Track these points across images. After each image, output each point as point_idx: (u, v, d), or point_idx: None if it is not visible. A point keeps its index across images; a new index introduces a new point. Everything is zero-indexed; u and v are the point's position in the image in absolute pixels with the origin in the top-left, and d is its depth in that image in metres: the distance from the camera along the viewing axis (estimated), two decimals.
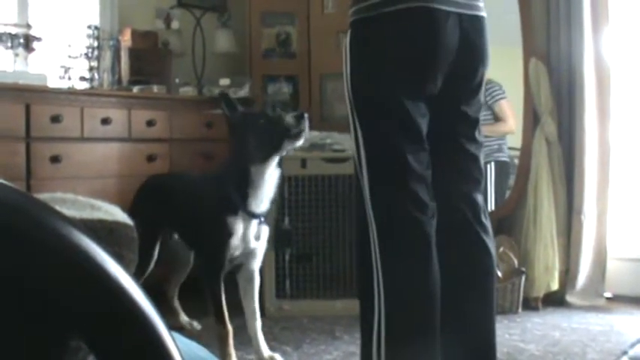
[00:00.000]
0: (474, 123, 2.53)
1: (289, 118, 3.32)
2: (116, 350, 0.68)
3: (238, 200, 3.33)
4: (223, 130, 4.93)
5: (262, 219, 3.40)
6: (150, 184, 3.93)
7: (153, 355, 0.68)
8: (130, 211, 0.98)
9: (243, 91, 5.22)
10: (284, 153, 3.39)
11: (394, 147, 2.35)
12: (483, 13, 2.46)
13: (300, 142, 3.35)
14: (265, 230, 3.47)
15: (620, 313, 4.25)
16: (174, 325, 3.73)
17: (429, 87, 2.37)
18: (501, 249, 4.36)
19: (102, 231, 0.87)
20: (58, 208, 0.72)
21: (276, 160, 3.35)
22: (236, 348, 3.51)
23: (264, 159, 3.31)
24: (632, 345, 3.52)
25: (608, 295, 4.53)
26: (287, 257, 4.30)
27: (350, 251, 4.30)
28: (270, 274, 4.23)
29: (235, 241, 3.34)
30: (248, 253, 3.46)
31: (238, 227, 3.33)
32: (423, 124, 2.38)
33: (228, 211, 3.34)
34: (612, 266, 4.51)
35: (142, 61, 5.02)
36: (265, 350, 3.47)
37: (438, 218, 2.39)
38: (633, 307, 4.36)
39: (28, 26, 4.53)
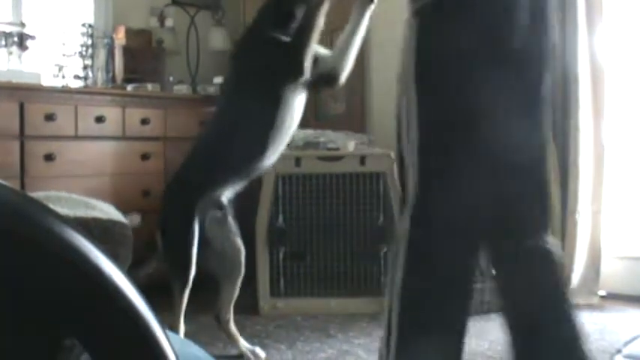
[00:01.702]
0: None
1: None
2: (110, 348, 0.68)
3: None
4: None
5: None
6: None
7: (146, 353, 0.68)
8: None
9: None
10: None
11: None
12: None
13: None
14: None
15: (615, 312, 4.25)
16: (231, 355, 3.51)
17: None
18: None
19: (96, 229, 0.87)
20: (52, 206, 0.72)
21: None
22: (232, 346, 3.53)
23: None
24: (626, 343, 3.52)
25: (602, 293, 4.54)
26: (281, 255, 4.29)
27: (344, 249, 4.31)
28: (264, 273, 4.23)
29: None
30: None
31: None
32: None
33: None
34: (606, 265, 4.51)
35: (136, 60, 5.02)
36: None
37: None
38: (627, 306, 4.36)
39: (22, 24, 4.52)
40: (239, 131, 3.36)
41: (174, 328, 3.25)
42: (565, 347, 2.37)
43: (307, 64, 3.34)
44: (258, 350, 3.49)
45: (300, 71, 3.32)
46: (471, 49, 2.13)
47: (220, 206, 3.43)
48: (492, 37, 2.17)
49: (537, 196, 2.34)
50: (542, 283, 2.31)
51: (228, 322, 3.49)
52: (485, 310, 4.25)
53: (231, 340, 3.51)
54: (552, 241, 2.33)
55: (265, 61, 3.43)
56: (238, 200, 3.61)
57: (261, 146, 3.34)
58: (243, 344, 3.49)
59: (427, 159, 2.18)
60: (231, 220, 3.50)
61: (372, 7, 3.46)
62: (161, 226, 3.44)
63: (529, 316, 2.29)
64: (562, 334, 2.34)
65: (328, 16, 5.60)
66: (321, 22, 3.35)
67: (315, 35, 3.36)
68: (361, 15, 3.47)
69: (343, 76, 3.49)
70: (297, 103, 3.39)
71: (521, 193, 2.29)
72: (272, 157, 3.42)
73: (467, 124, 2.16)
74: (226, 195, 3.44)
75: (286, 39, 3.38)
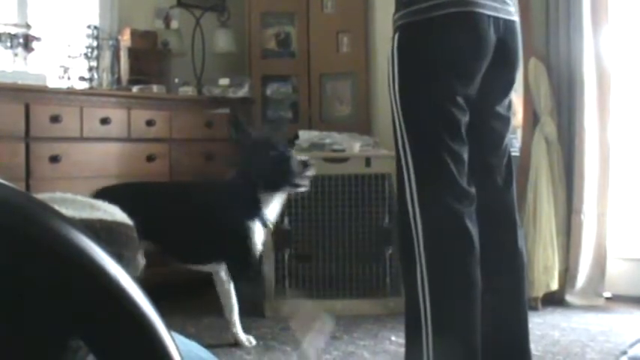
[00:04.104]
0: (507, 121, 2.64)
1: (295, 163, 3.63)
2: (115, 350, 0.68)
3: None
4: (223, 130, 4.94)
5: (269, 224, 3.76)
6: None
7: (152, 354, 0.68)
8: None
9: (243, 91, 5.22)
10: (283, 194, 3.76)
11: (441, 146, 2.43)
12: (516, 18, 2.57)
13: (301, 190, 3.72)
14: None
15: (620, 313, 4.25)
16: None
17: (470, 88, 2.47)
18: None
19: (101, 231, 0.87)
20: (57, 208, 0.72)
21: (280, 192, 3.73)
22: (236, 347, 3.53)
23: (267, 191, 3.67)
24: (632, 345, 3.51)
25: (607, 295, 4.53)
26: (286, 257, 4.29)
27: (349, 251, 4.30)
28: (270, 274, 4.23)
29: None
30: None
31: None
32: (464, 124, 2.47)
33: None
34: (612, 266, 4.51)
35: (141, 61, 5.02)
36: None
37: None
38: (633, 307, 4.35)
39: (28, 26, 4.53)
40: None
41: None
42: None
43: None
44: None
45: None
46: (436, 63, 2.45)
47: None
48: (456, 54, 2.45)
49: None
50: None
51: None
52: None
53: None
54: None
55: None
56: None
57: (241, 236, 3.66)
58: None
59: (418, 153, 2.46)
60: None
61: None
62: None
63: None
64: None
65: (332, 17, 5.62)
66: None
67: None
68: None
69: None
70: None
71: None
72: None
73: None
74: None
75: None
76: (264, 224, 3.67)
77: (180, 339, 1.11)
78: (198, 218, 3.66)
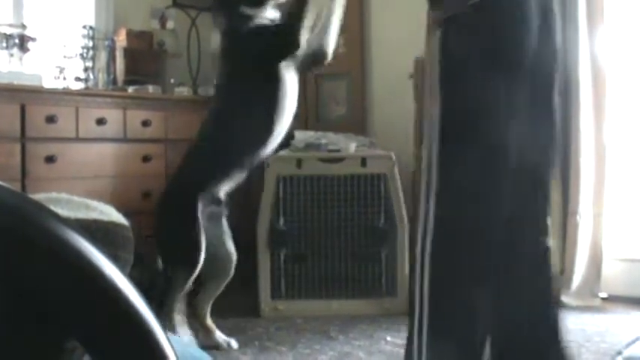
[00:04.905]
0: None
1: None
2: (111, 350, 0.68)
3: None
4: None
5: None
6: None
7: (148, 355, 0.68)
8: None
9: None
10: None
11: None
12: None
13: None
14: None
15: (616, 314, 4.25)
16: (208, 345, 3.47)
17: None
18: None
19: (97, 231, 0.87)
20: (53, 208, 0.72)
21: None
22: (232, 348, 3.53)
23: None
24: (628, 345, 3.52)
25: (603, 295, 4.54)
26: (282, 257, 4.29)
27: (345, 251, 4.30)
28: (266, 275, 4.23)
29: None
30: None
31: None
32: None
33: None
34: (608, 267, 4.51)
35: (137, 62, 5.02)
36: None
37: None
38: (628, 308, 4.36)
39: (23, 26, 4.52)
40: (240, 118, 3.38)
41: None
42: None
43: (302, 37, 3.34)
44: (233, 342, 3.62)
45: (295, 45, 3.33)
46: (487, 54, 2.28)
47: (218, 202, 3.46)
48: (507, 42, 2.34)
49: (540, 199, 2.39)
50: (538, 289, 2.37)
51: (205, 315, 3.62)
52: None
53: (205, 332, 3.60)
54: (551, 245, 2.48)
55: (257, 42, 3.44)
56: (239, 202, 3.62)
57: (266, 129, 3.35)
58: (220, 335, 3.62)
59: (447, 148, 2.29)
60: (224, 220, 3.53)
61: None
62: (162, 218, 3.48)
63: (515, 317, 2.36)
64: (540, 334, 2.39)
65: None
66: None
67: (309, 10, 3.33)
68: None
69: (330, 52, 3.52)
70: (293, 81, 3.42)
71: (524, 193, 2.37)
72: (275, 141, 3.43)
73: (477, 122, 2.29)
74: (224, 190, 3.46)
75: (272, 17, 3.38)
76: None
77: (176, 339, 1.11)
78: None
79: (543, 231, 2.46)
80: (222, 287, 3.62)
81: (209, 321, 3.64)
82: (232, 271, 3.62)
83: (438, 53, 2.35)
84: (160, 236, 3.51)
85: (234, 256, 3.59)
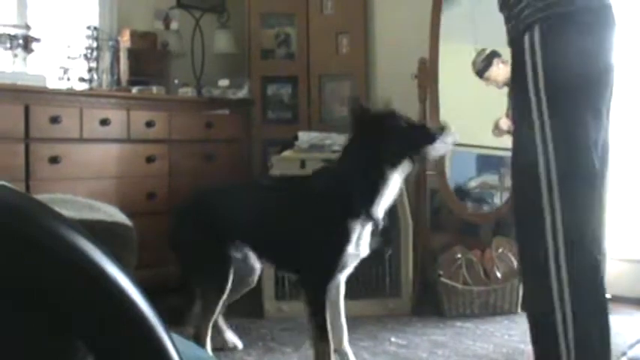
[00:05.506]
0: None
1: (433, 128, 3.20)
2: (115, 351, 0.68)
3: (363, 203, 3.11)
4: (223, 131, 4.94)
5: (380, 224, 3.21)
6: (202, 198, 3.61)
7: (151, 355, 0.68)
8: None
9: (242, 92, 5.22)
10: (418, 158, 3.22)
11: (588, 151, 2.34)
12: None
13: (440, 152, 3.20)
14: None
15: (620, 314, 4.24)
16: (214, 345, 3.47)
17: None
18: (500, 250, 4.36)
19: (101, 232, 0.87)
20: (57, 209, 0.72)
21: (407, 165, 3.16)
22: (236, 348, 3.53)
23: (399, 164, 3.11)
24: (631, 346, 3.51)
25: (607, 296, 4.52)
26: None
27: None
28: (270, 276, 4.22)
29: (351, 247, 3.12)
30: (352, 261, 3.23)
31: (355, 232, 3.12)
32: None
33: (350, 213, 3.10)
34: (611, 267, 4.51)
35: (141, 62, 5.02)
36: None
37: None
38: (632, 308, 4.35)
39: (27, 27, 4.53)
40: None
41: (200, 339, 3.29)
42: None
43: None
44: (237, 342, 3.66)
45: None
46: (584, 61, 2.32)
47: None
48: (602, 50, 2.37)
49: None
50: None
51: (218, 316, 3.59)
52: (489, 313, 4.25)
53: (217, 331, 3.60)
54: None
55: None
56: None
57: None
58: (230, 336, 3.66)
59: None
60: None
61: None
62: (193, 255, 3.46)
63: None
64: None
65: (332, 18, 5.63)
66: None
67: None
68: None
69: None
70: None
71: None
72: None
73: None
74: None
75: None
76: (372, 220, 3.15)
77: (180, 340, 1.11)
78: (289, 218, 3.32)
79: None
80: (241, 294, 3.63)
81: (221, 321, 3.65)
82: (255, 283, 3.65)
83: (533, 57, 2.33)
84: (190, 266, 3.51)
85: (258, 270, 3.60)
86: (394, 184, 3.13)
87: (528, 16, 2.34)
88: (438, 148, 3.11)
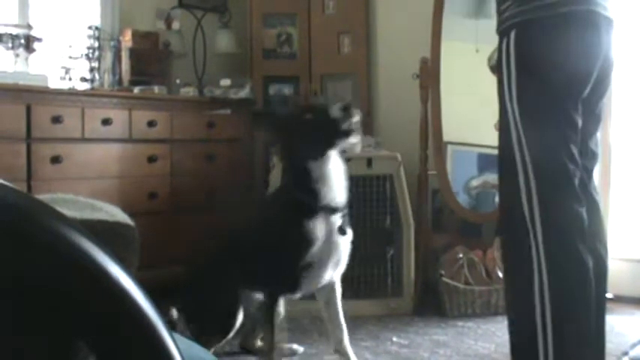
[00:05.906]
0: (599, 122, 2.61)
1: (335, 110, 3.09)
2: (117, 351, 0.68)
3: (310, 199, 3.11)
4: (224, 131, 4.94)
5: (344, 212, 3.21)
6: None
7: (153, 355, 0.68)
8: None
9: (244, 92, 5.22)
10: (339, 149, 3.18)
11: (562, 150, 2.37)
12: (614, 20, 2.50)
13: (353, 141, 3.14)
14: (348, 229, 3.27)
15: (621, 314, 4.24)
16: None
17: (586, 88, 2.43)
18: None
19: (103, 232, 0.87)
20: (58, 208, 0.72)
21: (334, 154, 3.14)
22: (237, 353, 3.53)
23: (321, 154, 3.09)
24: (633, 346, 3.52)
25: (609, 295, 4.52)
26: None
27: (351, 252, 4.29)
28: None
29: (315, 248, 3.11)
30: (331, 256, 3.23)
31: (320, 230, 3.12)
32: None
33: (303, 215, 3.10)
34: (613, 267, 4.49)
35: (142, 62, 5.02)
36: None
37: None
38: (634, 308, 4.35)
39: (29, 27, 4.53)
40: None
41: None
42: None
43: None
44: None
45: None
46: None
47: None
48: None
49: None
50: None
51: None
52: (491, 313, 4.25)
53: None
54: None
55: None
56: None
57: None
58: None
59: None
60: None
61: None
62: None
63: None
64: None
65: (334, 18, 5.63)
66: None
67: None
68: None
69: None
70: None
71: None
72: None
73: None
74: None
75: None
76: (331, 210, 3.15)
77: (182, 340, 1.11)
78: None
79: None
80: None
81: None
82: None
83: (507, 59, 2.41)
84: (198, 310, 3.40)
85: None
86: (332, 169, 3.14)
87: (508, 18, 2.43)
88: (346, 139, 3.11)
